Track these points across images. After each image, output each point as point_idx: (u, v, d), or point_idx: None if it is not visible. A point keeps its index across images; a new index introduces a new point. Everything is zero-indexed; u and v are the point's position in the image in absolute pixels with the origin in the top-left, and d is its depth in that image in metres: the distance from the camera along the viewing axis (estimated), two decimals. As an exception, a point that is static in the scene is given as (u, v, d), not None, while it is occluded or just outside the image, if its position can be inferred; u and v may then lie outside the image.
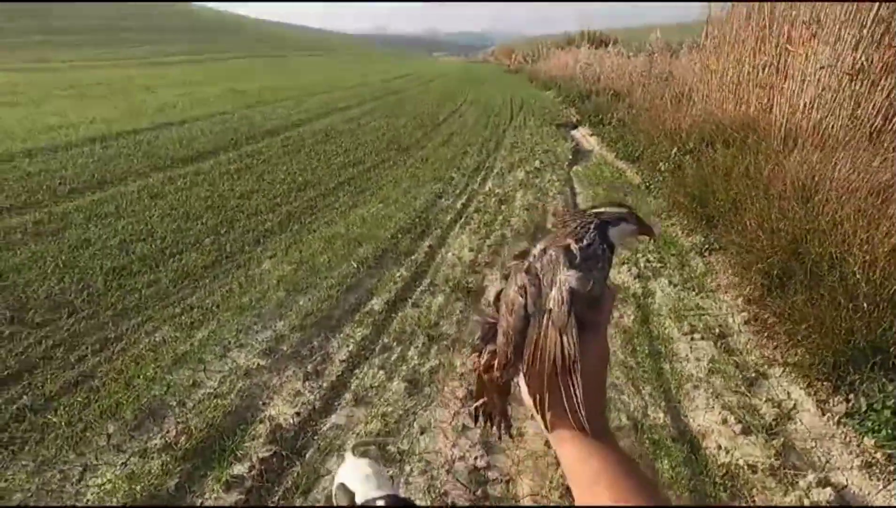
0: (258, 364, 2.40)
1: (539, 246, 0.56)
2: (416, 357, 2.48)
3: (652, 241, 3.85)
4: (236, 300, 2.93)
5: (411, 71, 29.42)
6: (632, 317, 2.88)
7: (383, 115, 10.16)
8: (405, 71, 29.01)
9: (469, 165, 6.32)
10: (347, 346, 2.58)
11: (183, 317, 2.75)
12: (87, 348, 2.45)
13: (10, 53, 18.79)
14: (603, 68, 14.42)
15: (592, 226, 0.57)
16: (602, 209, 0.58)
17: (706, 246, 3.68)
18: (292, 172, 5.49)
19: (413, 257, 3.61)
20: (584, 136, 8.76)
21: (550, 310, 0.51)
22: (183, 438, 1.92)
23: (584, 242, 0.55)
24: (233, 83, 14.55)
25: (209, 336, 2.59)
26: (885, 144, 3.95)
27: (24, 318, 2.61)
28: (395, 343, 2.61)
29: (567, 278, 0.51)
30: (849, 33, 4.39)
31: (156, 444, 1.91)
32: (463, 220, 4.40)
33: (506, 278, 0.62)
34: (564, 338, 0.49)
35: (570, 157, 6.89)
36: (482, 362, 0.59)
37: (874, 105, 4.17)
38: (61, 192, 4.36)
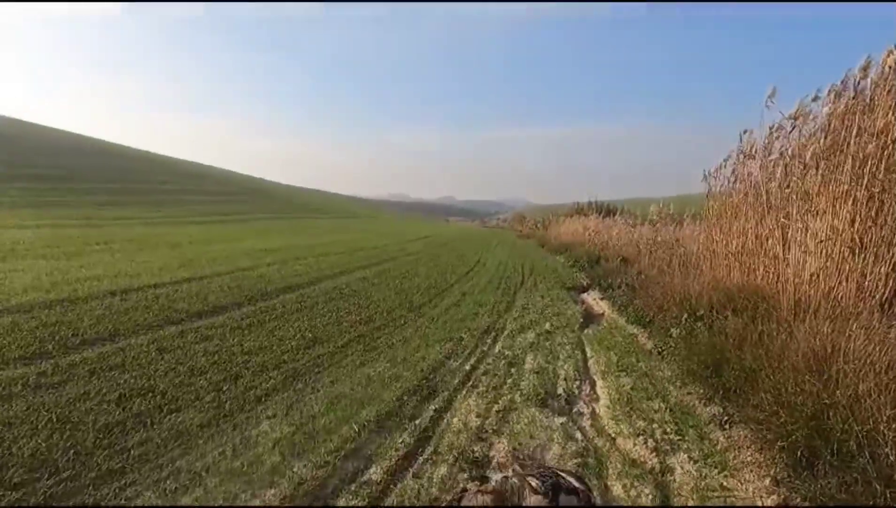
0: (240, 540, 2.19)
1: None
2: (412, 538, 2.26)
3: (667, 411, 3.70)
4: (228, 464, 2.78)
5: (427, 234, 30.87)
6: (650, 496, 2.65)
7: (398, 275, 10.46)
8: (421, 234, 30.45)
9: (479, 326, 6.33)
10: (339, 521, 2.38)
11: (168, 481, 2.59)
12: (60, 514, 2.28)
13: (56, 211, 20.25)
14: (610, 235, 15.10)
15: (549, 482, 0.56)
16: (564, 475, 0.57)
17: (725, 418, 3.50)
18: (302, 329, 5.53)
19: (417, 422, 3.46)
20: (594, 299, 8.86)
21: None
22: None
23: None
24: (257, 242, 15.30)
25: (192, 505, 2.40)
26: (899, 315, 3.92)
27: (2, 478, 2.47)
28: (391, 520, 2.40)
29: None
30: (843, 209, 4.57)
31: None
32: (471, 383, 4.29)
33: None
34: None
35: (581, 320, 6.90)
36: None
37: (880, 277, 4.20)
38: (71, 343, 4.39)
